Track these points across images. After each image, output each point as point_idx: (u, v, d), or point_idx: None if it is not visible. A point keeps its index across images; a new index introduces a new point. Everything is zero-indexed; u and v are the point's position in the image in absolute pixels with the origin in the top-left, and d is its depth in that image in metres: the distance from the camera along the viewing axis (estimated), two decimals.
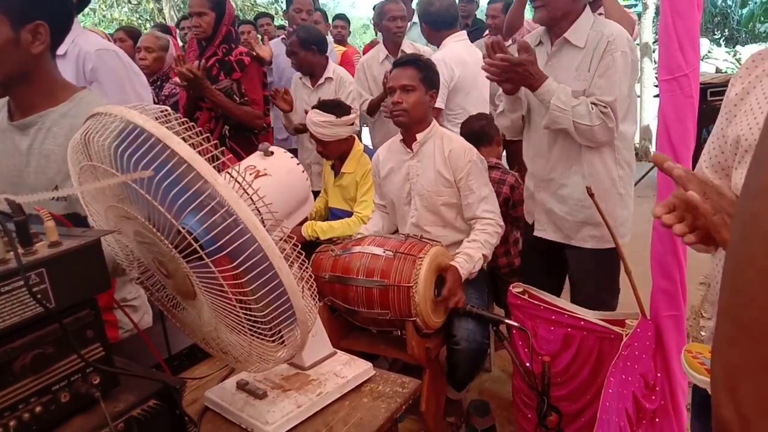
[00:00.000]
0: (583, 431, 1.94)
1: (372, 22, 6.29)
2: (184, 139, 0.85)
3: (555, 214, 2.26)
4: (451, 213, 2.45)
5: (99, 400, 0.84)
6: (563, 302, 2.05)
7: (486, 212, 2.40)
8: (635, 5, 12.22)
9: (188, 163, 0.81)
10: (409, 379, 1.29)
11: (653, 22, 8.16)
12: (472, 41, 3.67)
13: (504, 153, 4.55)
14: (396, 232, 2.66)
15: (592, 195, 1.90)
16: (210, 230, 0.86)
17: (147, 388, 0.91)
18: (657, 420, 1.80)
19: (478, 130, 2.86)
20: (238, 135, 3.20)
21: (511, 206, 2.72)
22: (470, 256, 2.29)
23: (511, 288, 2.11)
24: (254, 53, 3.32)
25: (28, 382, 0.80)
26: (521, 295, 2.08)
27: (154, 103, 3.35)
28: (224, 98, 3.07)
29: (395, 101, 2.37)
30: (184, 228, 0.86)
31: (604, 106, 2.00)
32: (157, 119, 0.87)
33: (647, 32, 7.89)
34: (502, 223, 2.45)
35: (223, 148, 0.88)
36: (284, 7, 4.86)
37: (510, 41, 4.32)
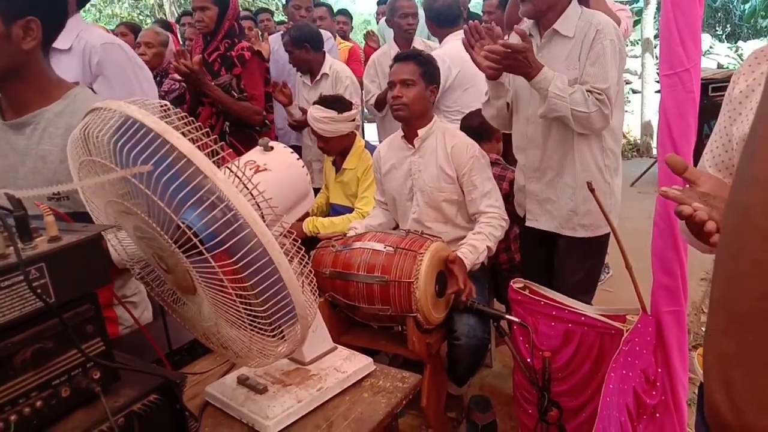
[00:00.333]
0: (584, 427, 1.94)
1: (376, 18, 6.27)
2: (183, 134, 0.85)
3: (550, 202, 2.31)
4: (452, 209, 2.45)
5: (99, 394, 0.84)
6: (564, 298, 2.05)
7: (490, 207, 2.40)
8: (636, 0, 12.19)
9: (187, 157, 0.81)
10: (410, 374, 1.29)
11: (654, 17, 8.14)
12: None
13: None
14: (396, 227, 2.66)
15: (592, 190, 1.90)
16: (210, 225, 0.86)
17: (147, 382, 0.91)
18: (657, 415, 1.80)
19: (477, 126, 2.85)
20: (239, 131, 3.19)
21: (510, 202, 2.71)
22: (475, 247, 2.29)
23: (511, 283, 2.10)
24: (255, 49, 3.31)
25: (29, 376, 0.80)
26: (522, 290, 2.08)
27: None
28: (222, 93, 3.06)
29: (395, 95, 2.37)
30: (183, 223, 0.86)
31: (599, 93, 2.03)
32: (156, 114, 0.87)
33: (649, 28, 7.86)
34: (507, 218, 2.45)
35: (222, 143, 0.88)
36: (285, 2, 4.83)
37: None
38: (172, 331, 1.40)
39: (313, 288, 1.03)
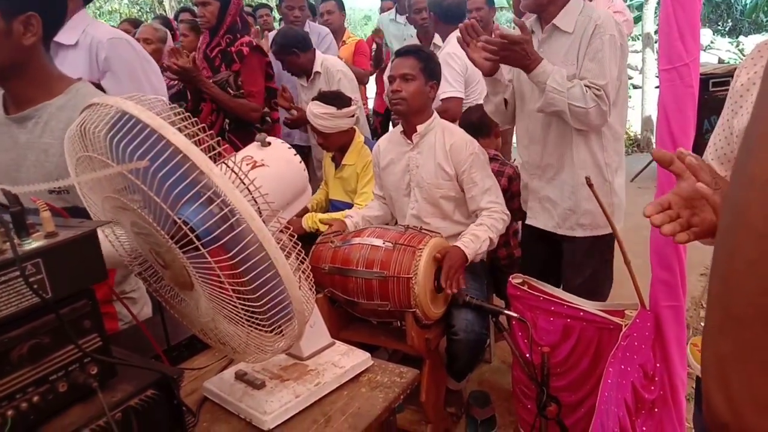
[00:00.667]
0: (583, 421, 1.94)
1: (380, 11, 6.22)
2: (179, 129, 0.85)
3: (549, 200, 2.28)
4: (449, 206, 2.45)
5: (97, 390, 0.84)
6: (562, 293, 2.05)
7: (490, 203, 2.39)
8: None
9: (183, 153, 0.81)
10: (407, 369, 1.29)
11: (655, 12, 8.11)
12: None
13: None
14: (395, 223, 2.66)
15: (591, 185, 1.89)
16: (206, 221, 0.86)
17: (145, 378, 0.91)
18: (656, 410, 1.80)
19: (476, 122, 2.86)
20: (239, 128, 3.17)
21: (509, 198, 2.71)
22: (477, 236, 2.27)
23: (510, 279, 2.11)
24: (255, 44, 3.30)
25: (26, 372, 0.80)
26: (521, 286, 2.08)
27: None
28: (218, 90, 3.04)
29: (394, 89, 2.37)
30: (180, 218, 0.86)
31: (598, 89, 2.01)
32: (153, 110, 0.87)
33: (649, 23, 7.84)
34: (508, 212, 2.44)
35: (219, 138, 0.88)
36: (278, 1, 4.76)
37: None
38: (171, 327, 1.40)
39: (310, 283, 1.03)
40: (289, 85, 3.86)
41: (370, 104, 5.31)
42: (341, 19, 4.84)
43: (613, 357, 1.76)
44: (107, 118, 0.88)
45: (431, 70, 2.43)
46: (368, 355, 1.30)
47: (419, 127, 2.42)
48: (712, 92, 5.30)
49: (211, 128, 3.08)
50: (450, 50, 3.24)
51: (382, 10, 5.50)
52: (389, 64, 2.70)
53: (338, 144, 3.00)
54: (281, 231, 0.95)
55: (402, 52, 2.48)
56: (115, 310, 1.56)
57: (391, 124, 4.68)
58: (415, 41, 4.02)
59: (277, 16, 5.90)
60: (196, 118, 0.89)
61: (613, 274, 2.38)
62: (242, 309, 0.92)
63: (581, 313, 1.95)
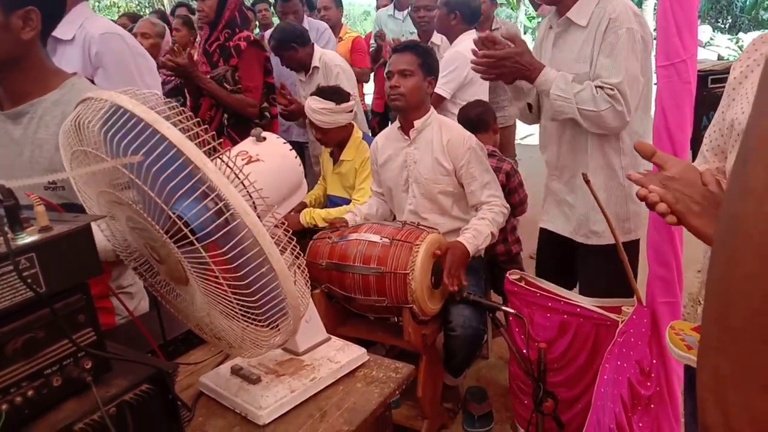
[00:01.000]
0: (580, 417, 1.95)
1: (375, 9, 6.22)
2: (174, 124, 0.85)
3: (567, 203, 2.18)
4: (447, 201, 2.45)
5: (91, 384, 0.84)
6: (559, 289, 2.06)
7: (490, 197, 2.39)
8: None
9: (177, 147, 0.81)
10: (403, 365, 1.29)
11: (654, 9, 8.10)
12: None
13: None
14: (394, 219, 2.66)
15: (588, 182, 1.89)
16: (200, 215, 0.86)
17: (140, 372, 0.91)
18: (652, 406, 1.80)
19: (474, 118, 2.86)
20: (238, 123, 3.17)
21: (507, 194, 2.71)
22: (479, 231, 2.28)
23: (507, 275, 2.11)
24: (253, 39, 3.29)
25: (20, 366, 0.80)
26: (518, 282, 2.08)
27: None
28: (215, 86, 3.04)
29: (392, 85, 2.37)
30: (174, 213, 0.86)
31: (611, 89, 1.87)
32: (147, 104, 0.87)
33: (648, 20, 7.84)
34: (507, 206, 2.44)
35: (213, 134, 0.88)
36: (273, 1, 4.74)
37: (488, 31, 4.34)
38: (168, 322, 1.40)
39: (305, 278, 1.03)
40: (288, 80, 3.86)
41: (368, 100, 5.30)
42: (338, 14, 4.83)
43: (610, 353, 1.77)
44: (101, 112, 0.88)
45: (429, 66, 2.42)
46: (364, 350, 1.30)
47: (416, 123, 2.42)
48: (711, 89, 5.30)
49: (210, 124, 3.11)
50: (459, 49, 3.23)
51: (379, 6, 5.50)
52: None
53: (336, 139, 3.00)
54: (276, 226, 0.95)
55: (400, 48, 2.48)
56: (113, 304, 1.56)
57: (390, 124, 4.68)
58: (414, 38, 4.01)
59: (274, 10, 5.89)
60: (190, 113, 0.89)
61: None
62: (237, 304, 0.92)
63: (578, 309, 1.95)
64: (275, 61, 3.72)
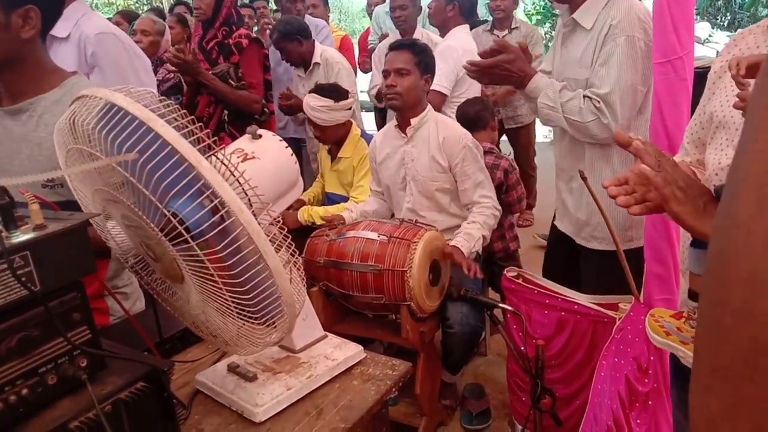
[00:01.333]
0: (577, 414, 1.95)
1: (367, 9, 6.24)
2: (168, 121, 0.85)
3: (566, 205, 2.18)
4: (445, 198, 2.45)
5: (86, 382, 0.84)
6: (557, 286, 2.05)
7: (482, 197, 2.40)
8: None
9: (172, 145, 0.81)
10: (400, 362, 1.29)
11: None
12: None
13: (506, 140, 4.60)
14: (392, 217, 2.66)
15: (584, 179, 1.89)
16: (195, 213, 0.86)
17: (135, 370, 0.91)
18: (650, 403, 1.80)
19: (473, 115, 2.86)
20: (238, 120, 3.18)
21: (504, 191, 2.72)
22: (470, 235, 2.30)
23: (505, 272, 2.11)
24: (253, 36, 3.30)
25: (15, 364, 0.80)
26: (515, 279, 2.08)
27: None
28: (219, 83, 3.04)
29: (389, 84, 2.36)
30: (169, 211, 0.86)
31: (598, 100, 1.85)
32: (142, 102, 0.87)
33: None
34: (499, 207, 2.45)
35: (208, 131, 0.87)
36: None
37: (506, 31, 4.35)
38: (164, 320, 1.40)
39: (302, 276, 1.03)
40: (285, 78, 3.87)
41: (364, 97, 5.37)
42: (325, 13, 4.90)
43: (607, 350, 1.77)
44: (96, 110, 0.88)
45: (426, 64, 2.42)
46: (361, 347, 1.30)
47: (413, 121, 2.42)
48: None
49: (209, 121, 3.11)
50: (451, 43, 3.23)
51: (370, 5, 5.54)
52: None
53: (335, 137, 3.00)
54: (272, 224, 0.95)
55: (396, 46, 2.47)
56: (107, 305, 1.56)
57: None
58: (427, 39, 4.02)
59: (273, 7, 5.91)
60: (185, 111, 0.89)
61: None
62: (232, 302, 0.92)
63: (575, 306, 1.95)
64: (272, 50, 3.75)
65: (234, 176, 0.92)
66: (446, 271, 2.23)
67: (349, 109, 2.97)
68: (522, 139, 4.67)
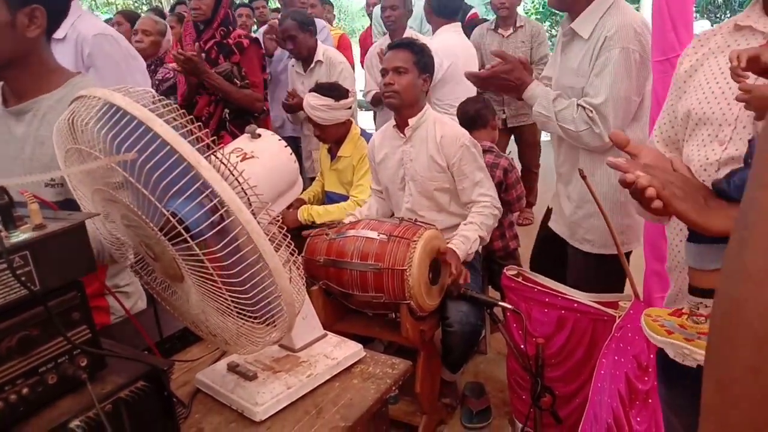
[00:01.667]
0: (577, 412, 1.95)
1: (366, 9, 6.26)
2: (167, 121, 0.85)
3: (564, 208, 2.21)
4: (444, 198, 2.45)
5: (86, 381, 0.84)
6: (557, 284, 2.06)
7: (481, 196, 2.40)
8: None
9: (171, 145, 0.81)
10: (400, 360, 1.29)
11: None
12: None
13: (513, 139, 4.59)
14: (392, 216, 2.66)
15: (584, 177, 1.89)
16: (194, 213, 0.86)
17: (135, 370, 0.91)
18: (650, 401, 1.81)
19: (473, 113, 2.86)
20: (239, 118, 3.20)
21: (504, 190, 2.72)
22: (466, 238, 2.30)
23: (505, 270, 2.11)
24: (253, 36, 3.32)
25: (15, 363, 0.80)
26: (515, 277, 2.08)
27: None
28: (224, 82, 3.06)
29: (387, 83, 2.37)
30: (168, 210, 0.86)
31: (591, 110, 1.89)
32: (141, 101, 0.87)
33: (646, 15, 7.84)
34: (500, 206, 2.45)
35: (207, 130, 0.88)
36: None
37: (511, 29, 4.34)
38: (165, 319, 1.40)
39: (301, 275, 1.03)
40: (283, 76, 3.90)
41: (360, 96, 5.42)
42: (323, 12, 4.93)
43: (607, 348, 1.77)
44: (95, 110, 0.88)
45: (424, 64, 2.43)
46: (360, 346, 1.30)
47: (411, 121, 2.42)
48: None
49: (209, 120, 3.12)
50: (433, 44, 3.22)
51: (369, 5, 5.56)
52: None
53: (335, 136, 3.00)
54: (271, 223, 0.95)
55: (395, 45, 2.48)
56: (108, 303, 1.56)
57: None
58: (413, 32, 4.03)
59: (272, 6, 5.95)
60: (184, 110, 0.89)
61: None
62: (232, 301, 0.93)
63: (575, 305, 1.95)
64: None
65: (233, 175, 0.92)
66: (446, 270, 2.24)
67: (349, 108, 2.97)
68: (528, 137, 4.67)
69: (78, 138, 0.92)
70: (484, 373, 2.84)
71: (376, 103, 3.76)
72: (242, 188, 0.92)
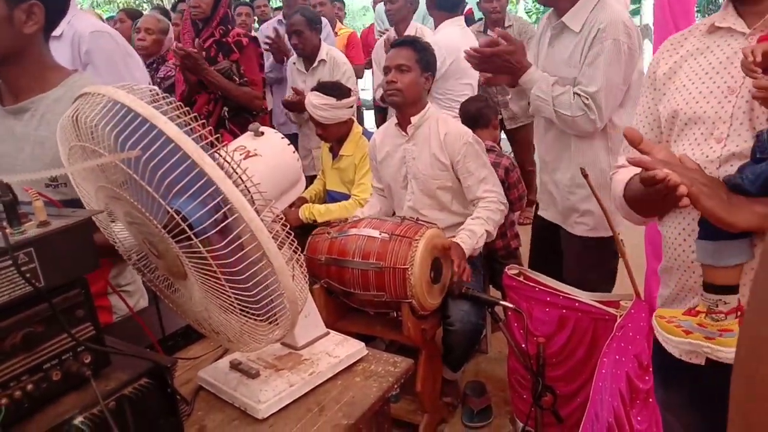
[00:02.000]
0: (578, 411, 1.95)
1: (372, 4, 6.26)
2: (171, 119, 0.85)
3: (551, 195, 2.27)
4: (446, 196, 2.45)
5: (90, 378, 0.85)
6: (558, 284, 2.06)
7: (487, 192, 2.40)
8: None
9: (175, 142, 0.81)
10: (401, 359, 1.29)
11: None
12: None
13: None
14: (393, 215, 2.66)
15: (586, 176, 1.89)
16: (198, 210, 0.87)
17: (138, 367, 0.91)
18: (651, 400, 1.81)
19: (474, 113, 2.86)
20: (238, 116, 3.20)
21: (505, 189, 2.72)
22: (473, 232, 2.30)
23: (506, 269, 2.11)
24: (252, 34, 3.32)
25: (19, 360, 0.80)
26: (516, 276, 2.09)
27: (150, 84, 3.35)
28: (223, 79, 3.06)
29: (390, 80, 2.37)
30: (172, 208, 0.86)
31: (586, 97, 1.97)
32: (144, 99, 0.87)
33: (648, 14, 7.83)
34: (506, 201, 2.45)
35: (211, 128, 0.88)
36: None
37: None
38: (167, 317, 1.40)
39: (304, 273, 1.04)
40: (281, 75, 3.91)
41: (364, 95, 5.40)
42: (332, 11, 4.91)
43: (608, 347, 1.77)
44: (99, 107, 0.88)
45: (427, 62, 2.43)
46: (362, 344, 1.30)
47: (413, 119, 2.42)
48: None
49: (209, 118, 3.12)
50: (436, 39, 3.23)
51: (375, 2, 5.56)
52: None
53: (337, 135, 3.00)
54: (274, 221, 0.95)
55: (398, 43, 2.48)
56: (110, 303, 1.57)
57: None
58: (421, 34, 4.03)
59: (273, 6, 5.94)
60: (188, 108, 0.89)
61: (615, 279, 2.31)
62: (235, 299, 0.93)
63: (576, 304, 1.96)
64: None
65: (237, 173, 0.92)
66: (447, 269, 2.24)
67: (351, 107, 2.97)
68: (522, 137, 4.69)
69: (82, 135, 0.92)
70: (485, 372, 2.84)
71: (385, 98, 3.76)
72: (246, 186, 0.93)
